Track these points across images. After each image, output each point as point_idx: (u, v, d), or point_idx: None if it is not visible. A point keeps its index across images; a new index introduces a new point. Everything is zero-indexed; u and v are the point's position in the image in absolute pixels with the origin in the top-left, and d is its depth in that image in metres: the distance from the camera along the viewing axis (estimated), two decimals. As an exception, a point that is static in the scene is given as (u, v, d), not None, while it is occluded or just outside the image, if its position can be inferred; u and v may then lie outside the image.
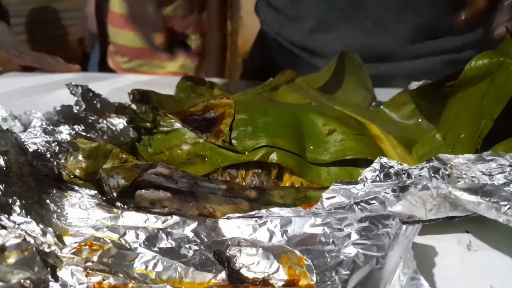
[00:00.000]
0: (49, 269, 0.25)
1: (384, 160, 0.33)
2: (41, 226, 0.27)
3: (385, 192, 0.31)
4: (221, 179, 0.36)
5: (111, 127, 0.45)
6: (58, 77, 0.81)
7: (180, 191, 0.33)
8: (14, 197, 0.29)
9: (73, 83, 0.47)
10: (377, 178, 0.33)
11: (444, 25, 0.70)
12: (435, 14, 0.71)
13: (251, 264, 0.27)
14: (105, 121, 0.46)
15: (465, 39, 0.72)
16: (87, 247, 0.27)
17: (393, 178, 0.32)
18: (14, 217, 0.28)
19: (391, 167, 0.33)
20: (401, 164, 0.33)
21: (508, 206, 0.27)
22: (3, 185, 0.29)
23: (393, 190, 0.31)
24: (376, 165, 0.33)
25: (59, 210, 0.32)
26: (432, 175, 0.31)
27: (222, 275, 0.26)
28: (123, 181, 0.33)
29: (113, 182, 0.33)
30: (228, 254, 0.28)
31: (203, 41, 1.72)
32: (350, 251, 0.27)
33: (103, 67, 1.70)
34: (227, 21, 2.00)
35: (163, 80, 0.98)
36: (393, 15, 0.73)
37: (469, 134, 0.39)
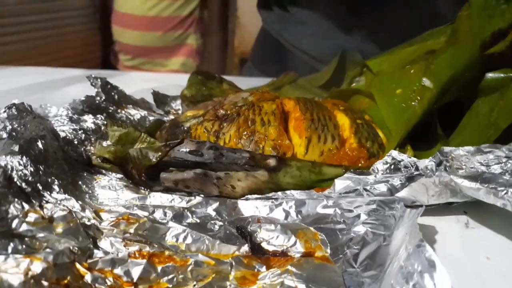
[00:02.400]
0: (91, 239, 0.27)
1: (395, 153, 0.36)
2: (80, 202, 0.30)
3: (392, 180, 0.34)
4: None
5: (130, 117, 0.48)
6: (66, 73, 0.83)
7: (204, 164, 0.35)
8: (53, 177, 0.32)
9: (93, 75, 0.49)
10: (387, 170, 0.35)
11: None
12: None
13: (271, 238, 0.30)
14: (123, 111, 0.48)
15: None
16: (124, 220, 0.29)
17: (402, 171, 0.34)
18: (55, 194, 0.30)
19: (401, 160, 0.35)
20: (409, 157, 0.35)
21: (505, 191, 0.30)
22: (43, 166, 0.31)
23: (400, 179, 0.33)
24: (388, 158, 0.35)
25: (90, 191, 0.35)
26: (436, 167, 0.34)
27: (245, 247, 0.29)
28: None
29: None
30: (249, 230, 0.30)
31: (204, 41, 1.75)
32: (360, 229, 0.30)
33: (106, 65, 1.73)
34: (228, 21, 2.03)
35: (166, 78, 1.00)
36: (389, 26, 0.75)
37: (477, 142, 0.41)
